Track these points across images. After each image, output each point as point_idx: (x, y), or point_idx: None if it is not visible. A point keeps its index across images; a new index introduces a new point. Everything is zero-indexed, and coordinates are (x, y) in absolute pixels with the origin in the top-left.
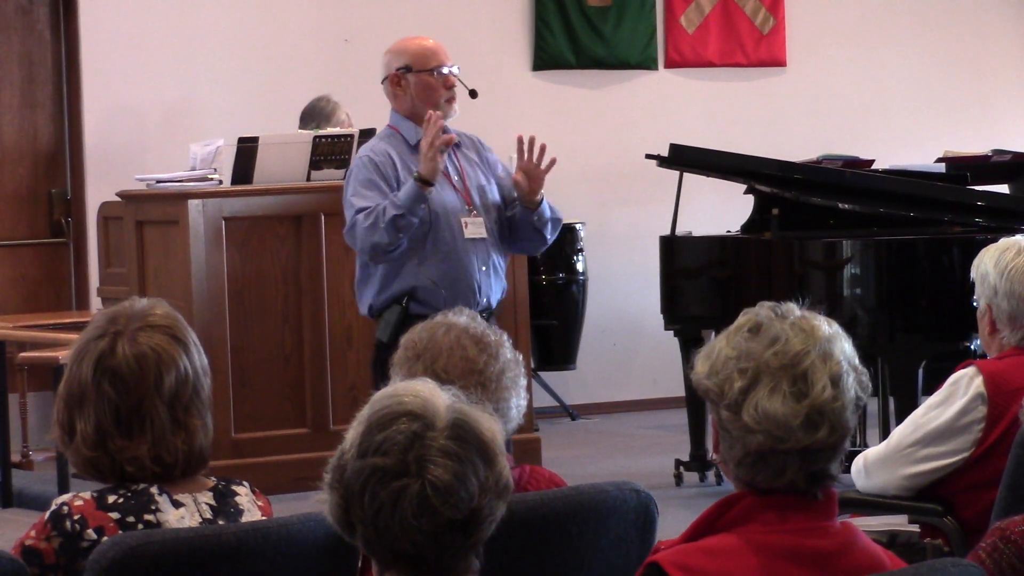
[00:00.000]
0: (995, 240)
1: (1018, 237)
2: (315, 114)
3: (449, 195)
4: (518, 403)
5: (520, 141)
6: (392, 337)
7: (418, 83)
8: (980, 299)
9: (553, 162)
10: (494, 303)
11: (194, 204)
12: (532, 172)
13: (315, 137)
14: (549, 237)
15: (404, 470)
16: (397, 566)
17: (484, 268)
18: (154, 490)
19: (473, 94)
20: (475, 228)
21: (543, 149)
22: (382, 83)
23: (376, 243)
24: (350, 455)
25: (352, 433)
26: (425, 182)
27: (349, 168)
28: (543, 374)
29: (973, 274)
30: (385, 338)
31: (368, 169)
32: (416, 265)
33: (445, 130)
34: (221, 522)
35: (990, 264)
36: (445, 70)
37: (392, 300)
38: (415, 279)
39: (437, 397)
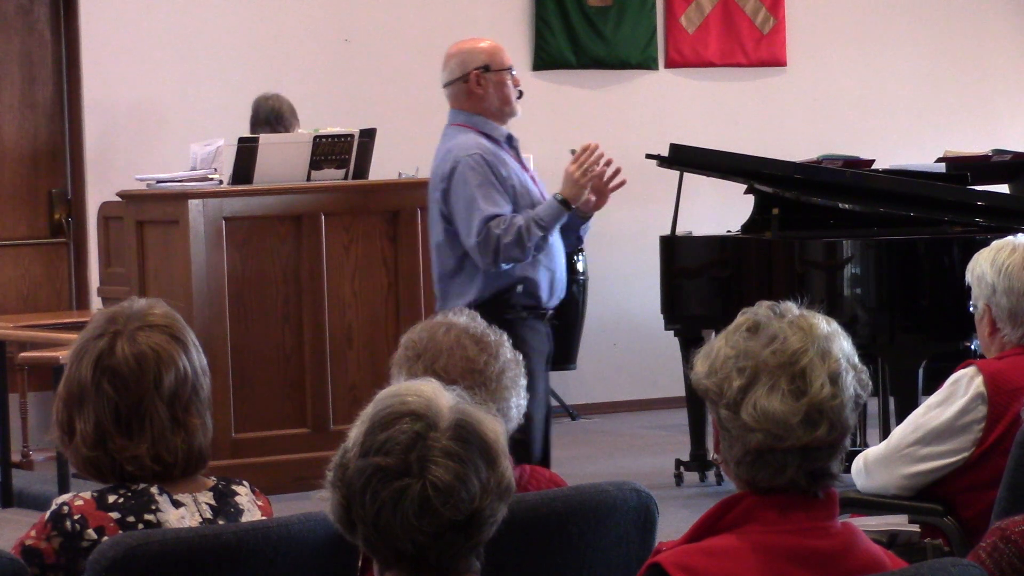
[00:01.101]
0: (995, 240)
1: (1012, 237)
2: (277, 116)
3: (536, 192)
4: (518, 403)
5: (608, 163)
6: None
7: (497, 82)
8: (978, 300)
9: (623, 183)
10: None
11: (194, 204)
12: (602, 190)
13: (315, 137)
14: (584, 239)
15: (406, 470)
16: (398, 566)
17: (565, 262)
18: (154, 490)
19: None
20: None
21: (617, 171)
22: (449, 85)
23: (516, 257)
24: (352, 454)
25: (355, 432)
26: (567, 205)
27: (450, 166)
28: None
29: (968, 278)
30: None
31: (485, 169)
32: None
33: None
34: (221, 522)
35: (986, 264)
36: (513, 70)
37: (501, 291)
38: (524, 270)
39: (441, 397)
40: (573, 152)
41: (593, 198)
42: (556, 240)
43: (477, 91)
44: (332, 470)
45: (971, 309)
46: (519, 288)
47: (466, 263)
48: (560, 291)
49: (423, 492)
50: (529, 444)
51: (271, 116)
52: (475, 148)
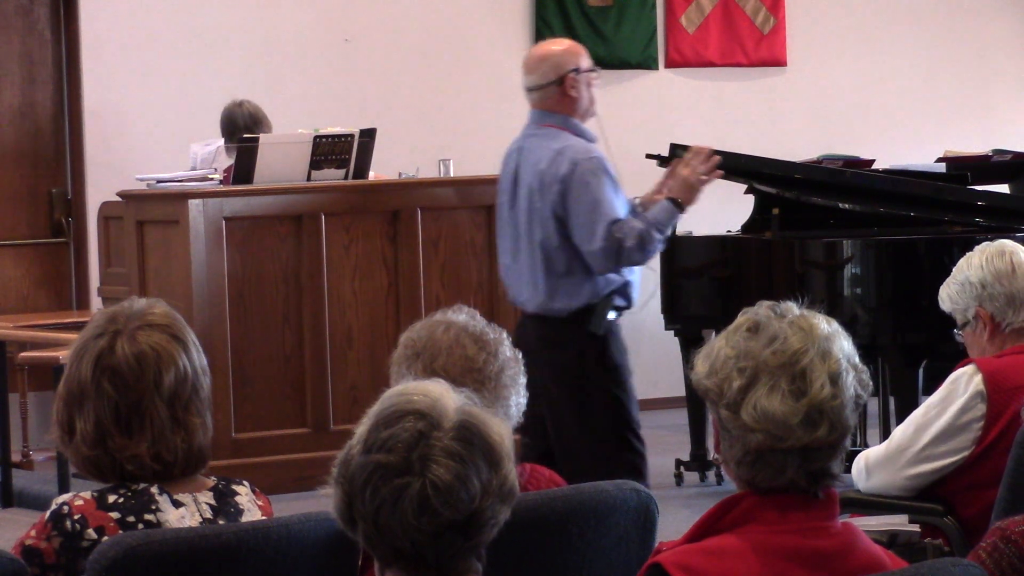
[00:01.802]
0: (995, 240)
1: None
2: (256, 121)
3: None
4: (517, 401)
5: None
6: (605, 329)
7: (586, 83)
8: (968, 310)
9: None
10: None
11: (194, 204)
12: None
13: (315, 137)
14: None
15: (407, 468)
16: (397, 564)
17: None
18: (154, 490)
19: None
20: None
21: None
22: (540, 89)
23: (636, 261)
24: (356, 450)
25: (361, 428)
26: (681, 207)
27: (567, 168)
28: None
29: (947, 305)
30: (601, 330)
31: (603, 173)
32: None
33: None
34: (221, 522)
35: (965, 272)
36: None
37: (607, 295)
38: (624, 274)
39: (447, 398)
40: (678, 155)
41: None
42: None
43: (571, 93)
44: (336, 466)
45: (958, 336)
46: (631, 291)
47: (575, 265)
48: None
49: (422, 491)
50: (640, 445)
51: (249, 121)
52: (591, 151)
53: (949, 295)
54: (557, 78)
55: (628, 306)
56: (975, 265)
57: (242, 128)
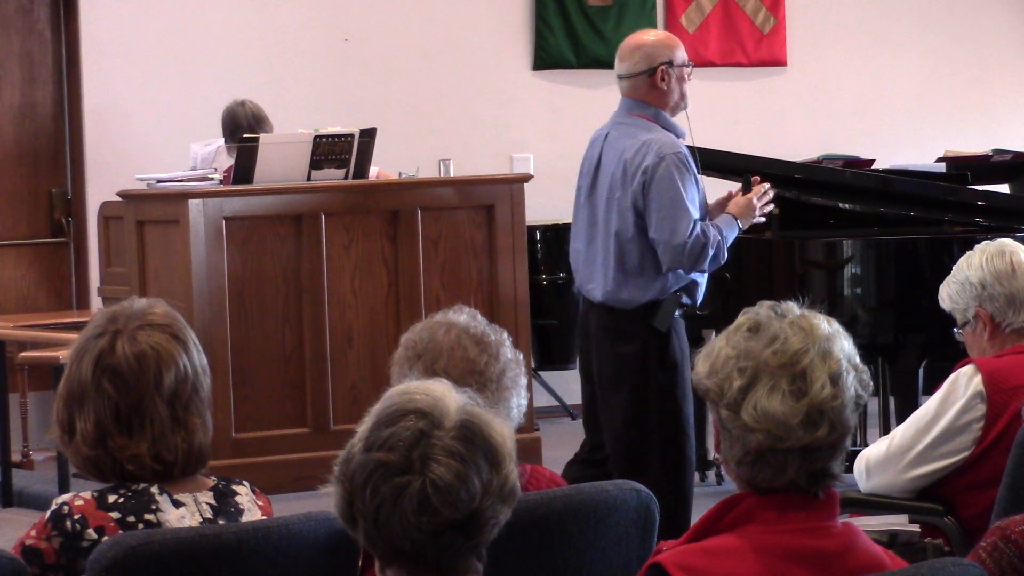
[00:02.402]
0: (995, 239)
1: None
2: (258, 120)
3: None
4: (519, 402)
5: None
6: (669, 326)
7: (679, 77)
8: (968, 310)
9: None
10: None
11: (194, 204)
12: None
13: (315, 137)
14: None
15: (407, 467)
16: (397, 563)
17: None
18: (155, 490)
19: None
20: None
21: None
22: (632, 77)
23: (704, 269)
24: (357, 448)
25: (362, 427)
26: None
27: (654, 160)
28: (543, 374)
29: (948, 304)
30: (665, 327)
31: (691, 170)
32: None
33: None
34: (221, 522)
35: (965, 271)
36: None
37: (675, 292)
38: (695, 273)
39: (449, 397)
40: (748, 179)
41: None
42: None
43: (661, 86)
44: (338, 464)
45: (958, 335)
46: (697, 291)
47: (647, 259)
48: None
49: (422, 490)
50: (687, 445)
51: (252, 120)
52: (678, 146)
53: (949, 294)
54: (648, 68)
55: (693, 305)
56: (975, 265)
57: (245, 127)
